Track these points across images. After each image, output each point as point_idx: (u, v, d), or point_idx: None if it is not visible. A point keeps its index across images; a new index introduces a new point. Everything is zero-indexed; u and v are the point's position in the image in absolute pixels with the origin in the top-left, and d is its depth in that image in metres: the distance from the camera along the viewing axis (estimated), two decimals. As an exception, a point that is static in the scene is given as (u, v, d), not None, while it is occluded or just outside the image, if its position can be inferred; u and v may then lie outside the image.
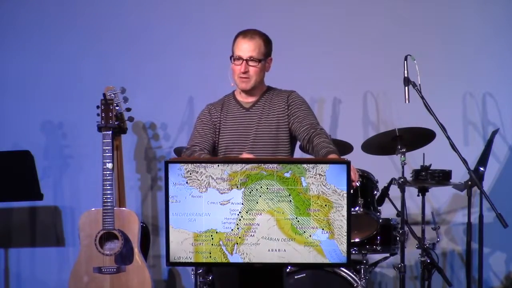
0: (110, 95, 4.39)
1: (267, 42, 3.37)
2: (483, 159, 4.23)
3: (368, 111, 4.94)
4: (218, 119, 3.39)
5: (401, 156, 4.03)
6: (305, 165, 2.63)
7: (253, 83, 3.34)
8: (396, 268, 4.12)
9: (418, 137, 4.20)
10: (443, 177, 4.18)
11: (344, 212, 2.63)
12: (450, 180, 4.21)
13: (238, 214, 2.65)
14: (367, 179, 4.13)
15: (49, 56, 5.01)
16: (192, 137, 3.39)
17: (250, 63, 3.31)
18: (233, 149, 3.32)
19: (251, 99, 3.40)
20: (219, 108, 3.42)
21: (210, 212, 2.66)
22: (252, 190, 2.64)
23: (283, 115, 3.34)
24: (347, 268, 3.91)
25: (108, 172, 4.26)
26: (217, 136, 3.37)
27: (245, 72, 3.31)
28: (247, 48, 3.31)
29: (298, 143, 3.42)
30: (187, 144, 3.41)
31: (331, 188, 2.63)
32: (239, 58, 3.31)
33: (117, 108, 4.39)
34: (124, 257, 4.25)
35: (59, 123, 5.01)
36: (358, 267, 4.07)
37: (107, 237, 4.28)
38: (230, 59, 3.37)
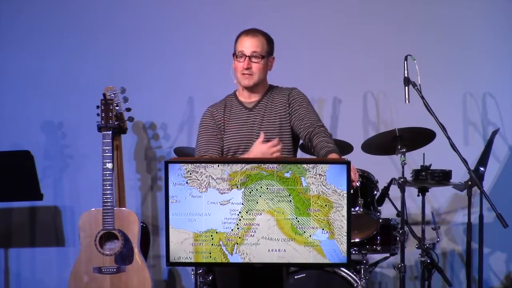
0: (110, 95, 4.39)
1: (269, 41, 3.37)
2: (483, 159, 4.23)
3: (368, 111, 4.94)
4: (222, 120, 3.37)
5: (401, 156, 4.03)
6: (305, 165, 2.63)
7: (255, 79, 3.33)
8: (396, 268, 4.11)
9: (418, 137, 4.20)
10: (443, 177, 4.18)
11: (344, 212, 2.63)
12: (450, 180, 4.21)
13: (238, 214, 2.65)
14: (367, 179, 4.12)
15: (49, 56, 5.01)
16: (199, 146, 3.35)
17: (253, 59, 3.30)
18: (237, 150, 3.31)
19: (254, 99, 3.39)
20: (221, 109, 3.40)
21: (210, 212, 2.65)
22: (252, 190, 2.64)
23: (284, 113, 3.34)
24: (347, 268, 3.90)
25: (108, 172, 4.26)
26: (222, 137, 3.36)
27: (248, 68, 3.29)
28: (250, 44, 3.30)
29: (300, 141, 3.42)
30: (195, 153, 3.38)
31: (331, 188, 2.63)
32: (242, 54, 3.30)
33: (117, 108, 4.39)
34: (124, 257, 4.25)
35: (59, 123, 5.00)
36: (358, 267, 4.06)
37: (107, 237, 4.28)
38: (233, 56, 3.36)
